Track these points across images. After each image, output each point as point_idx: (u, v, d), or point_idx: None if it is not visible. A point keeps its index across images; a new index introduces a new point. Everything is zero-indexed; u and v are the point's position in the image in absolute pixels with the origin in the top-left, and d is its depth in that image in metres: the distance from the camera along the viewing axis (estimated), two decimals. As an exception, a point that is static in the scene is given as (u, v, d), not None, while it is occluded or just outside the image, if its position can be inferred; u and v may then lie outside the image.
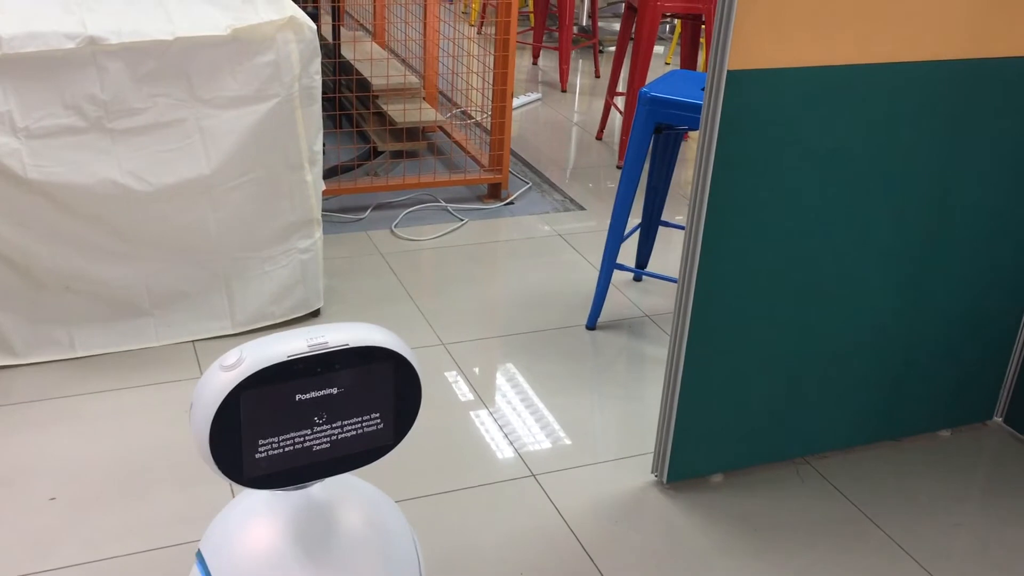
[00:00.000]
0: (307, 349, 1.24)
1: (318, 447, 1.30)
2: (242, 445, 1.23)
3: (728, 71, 1.70)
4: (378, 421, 1.34)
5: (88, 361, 2.47)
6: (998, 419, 2.41)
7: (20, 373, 2.40)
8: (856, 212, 1.96)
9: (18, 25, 2.19)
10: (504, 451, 2.24)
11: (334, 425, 1.31)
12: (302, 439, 1.28)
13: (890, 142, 1.91)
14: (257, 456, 1.25)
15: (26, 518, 1.94)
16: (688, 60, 4.18)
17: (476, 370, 2.55)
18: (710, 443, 2.10)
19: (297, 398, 1.25)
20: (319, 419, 1.29)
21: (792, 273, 1.97)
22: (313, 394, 1.26)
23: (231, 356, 1.21)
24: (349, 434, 1.32)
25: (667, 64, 5.88)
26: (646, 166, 2.68)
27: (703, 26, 4.07)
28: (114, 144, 2.30)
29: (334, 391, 1.28)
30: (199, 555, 1.38)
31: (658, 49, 6.09)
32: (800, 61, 1.75)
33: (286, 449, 1.27)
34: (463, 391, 2.46)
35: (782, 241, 1.92)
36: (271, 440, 1.25)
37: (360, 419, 1.33)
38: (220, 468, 1.23)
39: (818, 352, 2.08)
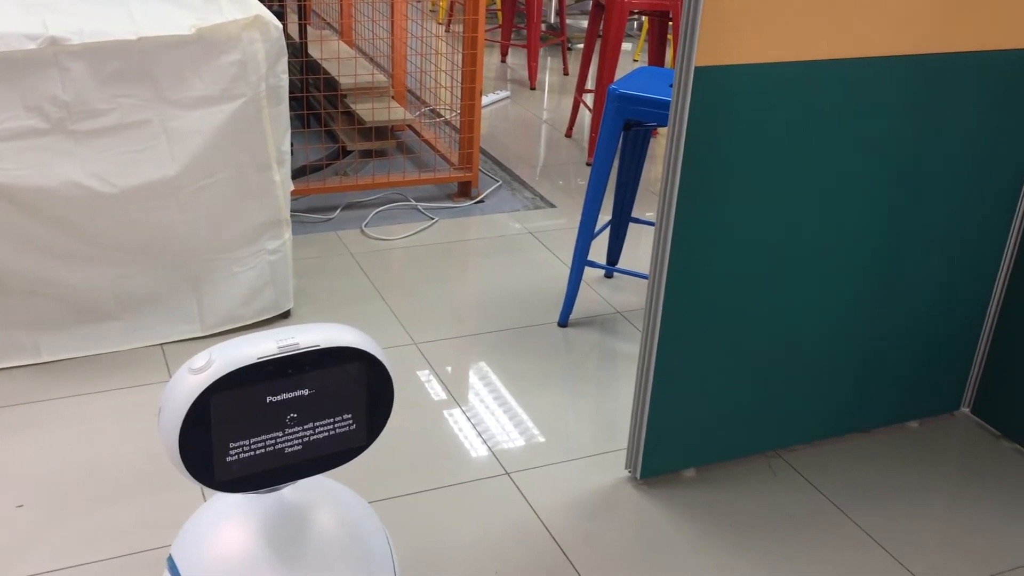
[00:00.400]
0: (277, 351, 1.23)
1: (290, 449, 1.29)
2: (212, 448, 1.22)
3: (696, 67, 1.71)
4: (350, 422, 1.34)
5: (55, 366, 2.43)
6: (965, 409, 2.44)
7: (-16, 379, 2.37)
8: (823, 206, 1.97)
9: (-23, 26, 2.16)
10: (478, 449, 2.23)
11: (306, 427, 1.30)
12: (273, 441, 1.27)
13: (857, 137, 1.93)
14: (228, 459, 1.24)
15: (-7, 527, 1.91)
16: (656, 57, 4.19)
17: (449, 369, 2.54)
18: (683, 438, 2.11)
19: (268, 400, 1.24)
20: (290, 421, 1.28)
21: (761, 268, 1.98)
22: (284, 396, 1.25)
23: (200, 359, 1.20)
24: (321, 435, 1.31)
25: (635, 61, 5.90)
26: (616, 163, 2.68)
27: (670, 23, 4.09)
28: (77, 146, 2.27)
29: (305, 392, 1.27)
30: (170, 560, 1.36)
31: (626, 46, 6.10)
32: (767, 57, 1.76)
33: (257, 452, 1.26)
34: (436, 390, 2.45)
35: (751, 236, 1.93)
36: (242, 443, 1.24)
37: (332, 420, 1.32)
38: (190, 472, 1.22)
39: (787, 346, 2.10)
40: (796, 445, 2.28)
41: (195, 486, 2.04)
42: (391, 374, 1.33)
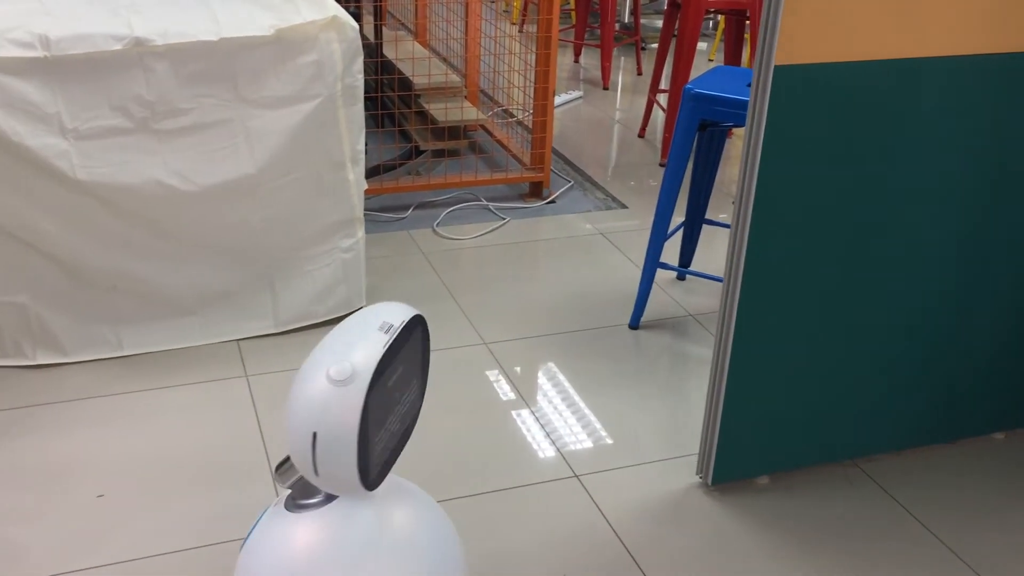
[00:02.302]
0: (387, 335, 1.24)
1: (396, 428, 1.31)
2: (369, 450, 1.23)
3: (775, 66, 1.67)
4: (415, 389, 1.36)
5: (135, 359, 2.50)
6: (1054, 421, 2.35)
7: (69, 371, 2.44)
8: (905, 208, 1.92)
9: (66, 27, 2.22)
10: (546, 451, 2.22)
11: (402, 402, 1.32)
12: (389, 425, 1.30)
13: (941, 136, 1.87)
14: (374, 455, 1.26)
15: (75, 514, 1.96)
16: (732, 56, 4.13)
17: (518, 369, 2.54)
18: (756, 444, 2.07)
19: (388, 385, 1.26)
20: (396, 401, 1.30)
21: (839, 271, 1.93)
22: (394, 377, 1.28)
23: (339, 371, 1.19)
24: (405, 407, 1.33)
25: (710, 61, 5.82)
26: (689, 164, 2.65)
27: (747, 22, 4.02)
28: (160, 144, 2.33)
29: (400, 369, 1.29)
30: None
31: (701, 46, 6.03)
32: (848, 55, 1.72)
33: (385, 440, 1.28)
34: (504, 390, 2.45)
35: (830, 239, 1.89)
36: (379, 435, 1.27)
37: (409, 391, 1.34)
38: (364, 482, 1.23)
39: (867, 352, 2.04)
40: (874, 454, 2.22)
41: (266, 480, 2.07)
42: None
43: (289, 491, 1.39)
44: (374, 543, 1.32)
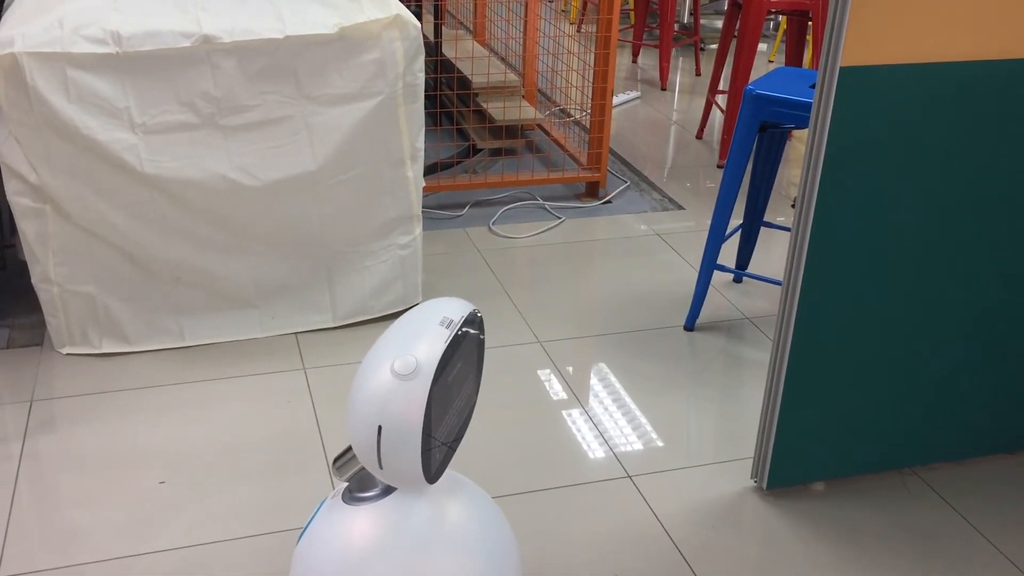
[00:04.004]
0: (447, 330, 1.25)
1: (454, 423, 1.32)
2: (432, 443, 1.25)
3: (841, 67, 1.65)
4: (471, 384, 1.36)
5: (196, 350, 2.55)
6: (1123, 435, 2.28)
7: (133, 360, 2.50)
8: (973, 215, 1.88)
9: (136, 24, 2.27)
10: (599, 451, 2.22)
11: (459, 398, 1.33)
12: (450, 419, 1.31)
13: (1010, 141, 1.83)
14: (434, 449, 1.27)
15: (136, 500, 2.01)
16: (794, 57, 4.08)
17: (570, 368, 2.54)
18: (813, 450, 2.05)
19: (449, 380, 1.27)
20: (455, 395, 1.31)
21: (903, 277, 1.90)
22: (453, 372, 1.29)
23: (404, 365, 1.21)
24: (462, 403, 1.34)
25: (770, 62, 5.76)
26: (748, 165, 2.62)
27: (810, 23, 3.97)
28: (225, 140, 2.37)
29: (460, 364, 1.30)
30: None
31: (761, 47, 5.96)
32: (918, 57, 1.69)
33: (444, 434, 1.29)
34: (557, 389, 2.45)
35: (893, 244, 1.86)
36: (440, 430, 1.28)
37: (465, 386, 1.35)
38: (428, 475, 1.25)
39: (929, 359, 2.01)
40: (934, 463, 2.18)
41: (323, 471, 2.10)
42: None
43: (346, 484, 1.41)
44: (431, 536, 1.34)
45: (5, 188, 2.33)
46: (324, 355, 2.55)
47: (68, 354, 2.50)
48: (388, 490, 1.34)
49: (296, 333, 2.64)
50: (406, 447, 1.21)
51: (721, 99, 4.32)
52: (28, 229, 2.36)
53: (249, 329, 2.60)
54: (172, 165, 2.34)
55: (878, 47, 1.66)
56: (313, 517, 1.42)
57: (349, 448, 1.34)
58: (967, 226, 1.89)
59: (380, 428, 1.20)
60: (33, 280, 2.43)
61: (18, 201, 2.33)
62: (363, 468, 1.32)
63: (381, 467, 1.24)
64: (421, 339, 1.24)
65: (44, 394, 2.35)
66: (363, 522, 1.32)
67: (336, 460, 1.39)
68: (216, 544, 1.90)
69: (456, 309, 1.31)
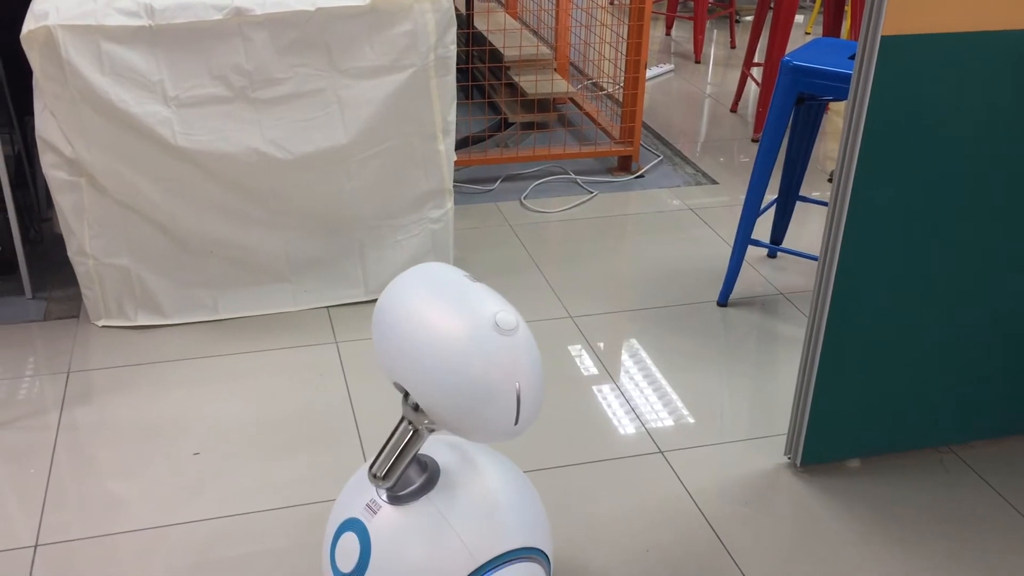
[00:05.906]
0: (480, 283, 1.30)
1: None
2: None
3: (882, 36, 1.61)
4: None
5: (229, 323, 2.56)
6: None
7: (168, 332, 2.52)
8: (1014, 188, 1.84)
9: (170, -3, 2.27)
10: (631, 426, 2.21)
11: None
12: None
13: (1058, 113, 1.78)
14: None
15: (172, 470, 2.03)
16: (832, 28, 4.00)
17: (602, 344, 2.53)
18: (847, 427, 2.02)
19: None
20: None
21: (943, 253, 1.86)
22: None
23: (506, 321, 1.21)
24: None
25: (807, 34, 5.67)
26: (784, 139, 2.58)
27: (848, -7, 3.90)
28: (257, 113, 2.37)
29: None
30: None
31: (798, 19, 5.87)
32: (962, 26, 1.65)
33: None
34: (588, 364, 2.44)
35: (932, 218, 1.82)
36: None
37: None
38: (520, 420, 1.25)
39: (965, 334, 1.97)
40: (971, 441, 2.15)
41: (354, 444, 2.11)
42: None
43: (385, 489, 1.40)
44: (457, 496, 1.34)
45: (41, 161, 2.35)
46: (356, 329, 2.55)
47: (104, 326, 2.53)
48: (427, 484, 1.35)
49: (328, 307, 2.64)
50: (537, 398, 1.20)
51: (756, 72, 4.26)
52: (64, 202, 2.38)
53: (282, 302, 2.61)
54: (205, 138, 2.34)
55: (921, 15, 1.62)
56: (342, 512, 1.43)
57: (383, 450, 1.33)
58: (1010, 201, 1.85)
59: (519, 387, 1.20)
60: (69, 253, 2.46)
61: (54, 174, 2.35)
62: (407, 469, 1.32)
63: (517, 423, 1.22)
64: (481, 294, 1.24)
65: (80, 366, 2.38)
66: (413, 519, 1.36)
67: (372, 471, 1.37)
68: (248, 515, 1.92)
69: (451, 269, 1.31)
